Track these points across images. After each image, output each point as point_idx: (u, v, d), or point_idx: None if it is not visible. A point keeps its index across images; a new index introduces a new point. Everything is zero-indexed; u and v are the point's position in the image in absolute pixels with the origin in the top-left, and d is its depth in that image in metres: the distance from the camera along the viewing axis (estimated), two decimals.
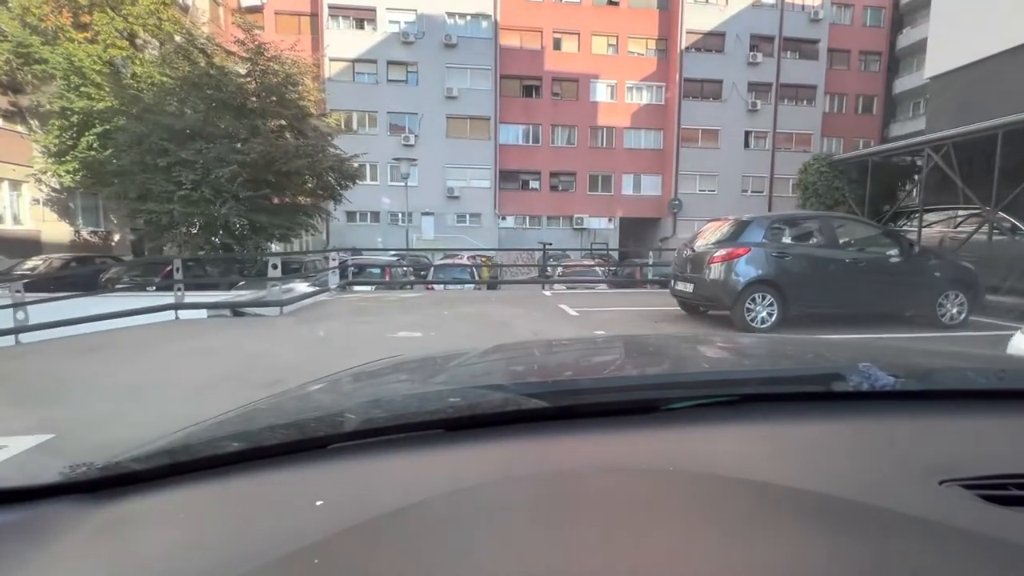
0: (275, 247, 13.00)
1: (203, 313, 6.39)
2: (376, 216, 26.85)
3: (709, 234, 6.58)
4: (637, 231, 29.79)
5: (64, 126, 11.50)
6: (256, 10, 24.23)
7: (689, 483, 0.50)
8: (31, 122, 12.66)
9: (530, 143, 28.52)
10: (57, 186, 13.86)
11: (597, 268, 14.49)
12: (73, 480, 0.56)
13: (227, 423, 0.71)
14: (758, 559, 0.38)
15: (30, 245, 13.69)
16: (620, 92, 28.64)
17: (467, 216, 27.66)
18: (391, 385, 1.01)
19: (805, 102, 28.39)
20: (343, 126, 15.68)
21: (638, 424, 0.63)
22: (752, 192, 28.18)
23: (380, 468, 0.57)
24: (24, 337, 6.09)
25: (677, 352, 1.22)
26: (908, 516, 0.42)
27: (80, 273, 12.12)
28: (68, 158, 11.87)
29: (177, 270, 6.35)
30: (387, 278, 11.83)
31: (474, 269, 13.17)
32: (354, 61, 25.56)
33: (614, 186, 29.11)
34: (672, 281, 7.01)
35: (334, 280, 9.35)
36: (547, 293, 10.11)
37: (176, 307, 6.23)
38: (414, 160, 12.17)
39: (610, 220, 29.29)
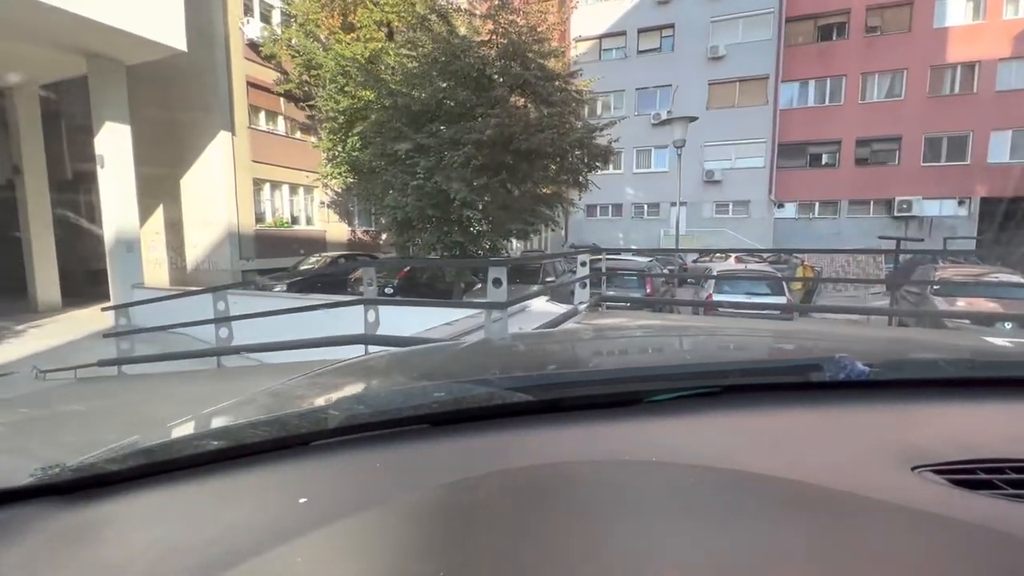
0: (514, 245, 11.24)
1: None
2: (618, 209, 23.87)
3: None
4: (1013, 217, 19.19)
5: (334, 128, 11.93)
6: None
7: (672, 473, 0.50)
8: (320, 131, 13.77)
9: (825, 103, 21.18)
10: (339, 189, 15.13)
11: None
12: (45, 482, 0.55)
13: (206, 421, 0.73)
14: (738, 547, 0.38)
15: (319, 244, 15.36)
16: (991, 5, 18.70)
17: (729, 205, 22.23)
18: (375, 381, 1.01)
19: None
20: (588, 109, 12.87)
21: (622, 416, 0.64)
22: None
23: (364, 464, 0.57)
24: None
25: (659, 344, 1.22)
26: (883, 502, 0.42)
27: (340, 271, 12.63)
28: (339, 160, 12.37)
29: (370, 283, 4.11)
30: (648, 291, 8.56)
31: (782, 282, 8.69)
32: (600, 37, 22.92)
33: (971, 151, 19.31)
34: None
35: (583, 295, 6.25)
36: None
37: (366, 341, 3.77)
38: (693, 117, 8.45)
39: (961, 203, 19.61)
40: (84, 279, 12.36)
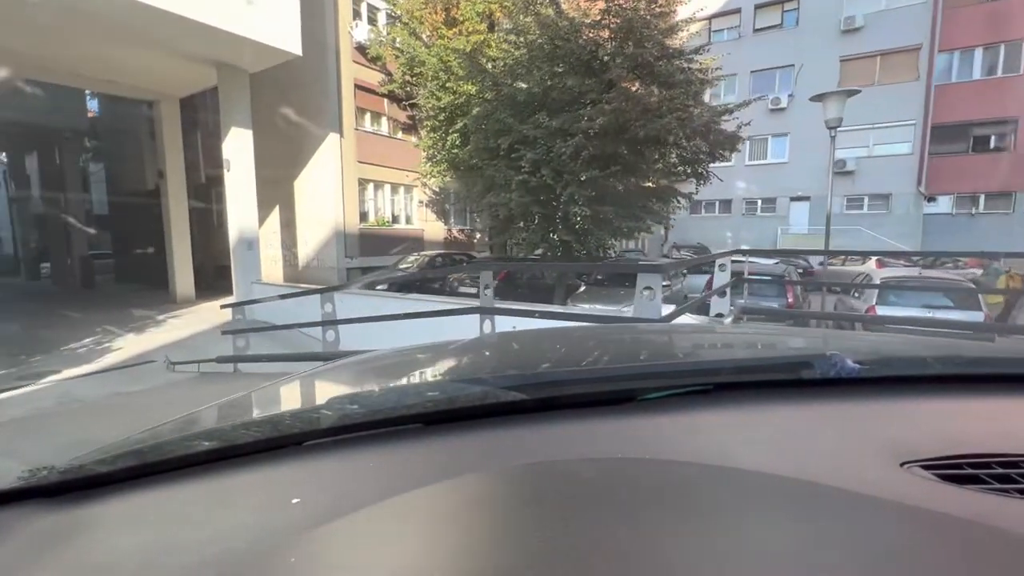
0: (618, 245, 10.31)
1: None
2: (726, 205, 21.78)
3: None
4: None
5: (434, 126, 11.83)
6: None
7: (665, 471, 0.50)
8: (420, 130, 13.85)
9: (997, 74, 17.54)
10: (436, 188, 15.17)
11: None
12: (32, 485, 0.55)
13: (198, 421, 0.70)
14: (730, 543, 0.38)
15: (417, 243, 15.55)
16: None
17: (864, 199, 19.28)
18: (368, 380, 1.01)
19: None
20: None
21: (615, 414, 0.65)
22: None
23: (358, 464, 0.57)
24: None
25: (653, 343, 1.22)
26: (873, 498, 0.43)
27: (440, 273, 12.54)
28: (438, 159, 12.29)
29: (487, 288, 3.55)
30: (789, 300, 7.23)
31: (976, 293, 6.90)
32: (710, 18, 20.98)
33: None
34: None
35: (721, 305, 5.24)
36: None
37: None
38: (854, 90, 6.98)
39: None
40: (213, 274, 13.51)
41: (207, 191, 14.33)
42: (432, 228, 16.28)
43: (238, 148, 9.76)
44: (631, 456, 0.53)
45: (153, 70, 9.95)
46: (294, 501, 0.48)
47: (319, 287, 5.10)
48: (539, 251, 8.69)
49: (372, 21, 13.67)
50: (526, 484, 0.49)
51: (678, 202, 9.86)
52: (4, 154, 18.69)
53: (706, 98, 18.42)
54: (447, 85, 11.08)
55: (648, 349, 1.13)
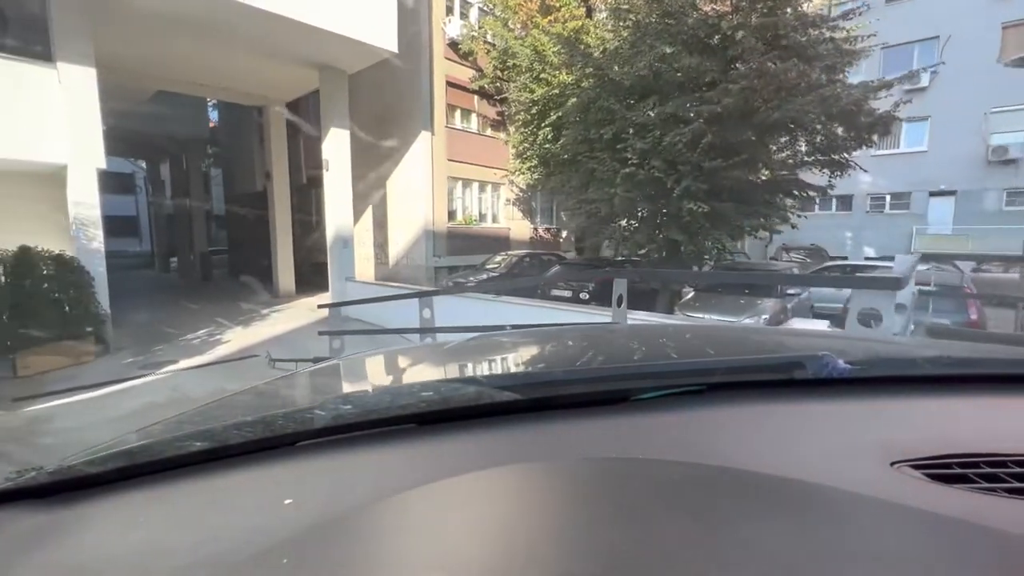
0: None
1: None
2: (845, 201, 19.16)
3: None
4: None
5: (526, 120, 11.35)
6: None
7: (658, 470, 0.51)
8: (510, 126, 13.47)
9: None
10: (523, 186, 14.74)
11: None
12: (21, 486, 0.55)
13: (189, 422, 0.70)
14: (723, 542, 0.38)
15: (503, 242, 15.24)
16: None
17: None
18: (362, 380, 1.02)
19: None
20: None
21: (609, 414, 0.65)
22: None
23: (351, 464, 0.57)
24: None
25: (646, 343, 1.20)
26: (864, 497, 0.43)
27: (531, 273, 12.04)
28: (528, 155, 11.81)
29: (619, 299, 2.89)
30: (972, 317, 5.78)
31: None
32: None
33: None
34: None
35: (896, 322, 4.01)
36: None
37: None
38: None
39: None
40: (310, 270, 14.11)
41: (306, 191, 15.02)
42: (518, 227, 15.89)
43: (336, 148, 9.95)
44: (625, 456, 0.53)
45: (264, 76, 10.43)
46: (287, 502, 0.48)
47: (416, 289, 4.78)
48: (642, 251, 7.85)
49: (464, 16, 13.51)
50: (520, 484, 0.49)
51: (812, 195, 8.50)
52: (144, 162, 21.13)
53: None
54: (541, 76, 10.54)
55: (642, 349, 1.12)
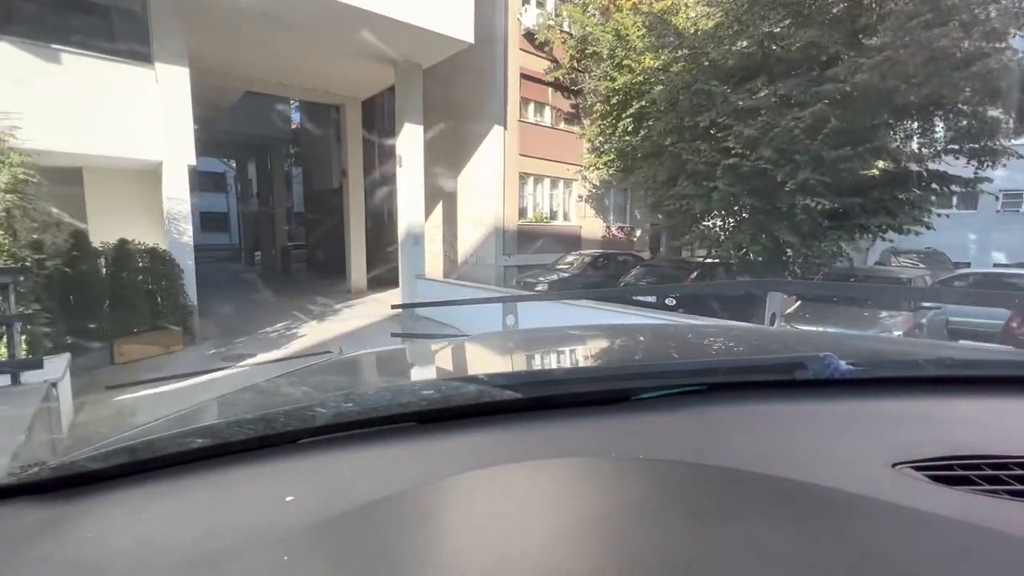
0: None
1: None
2: (967, 199, 16.69)
3: None
4: None
5: (604, 112, 10.66)
6: None
7: (659, 470, 0.50)
8: (585, 119, 12.83)
9: None
10: (597, 182, 14.04)
11: None
12: (23, 481, 0.55)
13: (191, 419, 0.69)
14: (724, 542, 0.38)
15: (574, 240, 14.61)
16: None
17: None
18: (363, 378, 1.00)
19: None
20: None
21: (610, 414, 0.65)
22: None
23: (352, 462, 0.56)
24: None
25: (647, 343, 1.20)
26: (866, 498, 0.43)
27: (606, 274, 11.37)
28: (605, 149, 11.11)
29: (772, 315, 2.14)
30: None
31: None
32: None
33: None
34: None
35: None
36: None
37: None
38: None
39: None
40: (381, 266, 14.26)
41: (378, 188, 15.22)
42: (590, 225, 15.18)
43: (410, 144, 9.81)
44: (626, 455, 0.53)
45: (343, 75, 10.51)
46: (287, 499, 0.48)
47: (495, 291, 4.36)
48: (741, 253, 6.95)
49: (540, 4, 13.00)
50: (521, 483, 0.49)
51: (948, 192, 7.18)
52: (234, 162, 22.61)
53: None
54: (623, 63, 9.80)
55: (643, 349, 1.10)
